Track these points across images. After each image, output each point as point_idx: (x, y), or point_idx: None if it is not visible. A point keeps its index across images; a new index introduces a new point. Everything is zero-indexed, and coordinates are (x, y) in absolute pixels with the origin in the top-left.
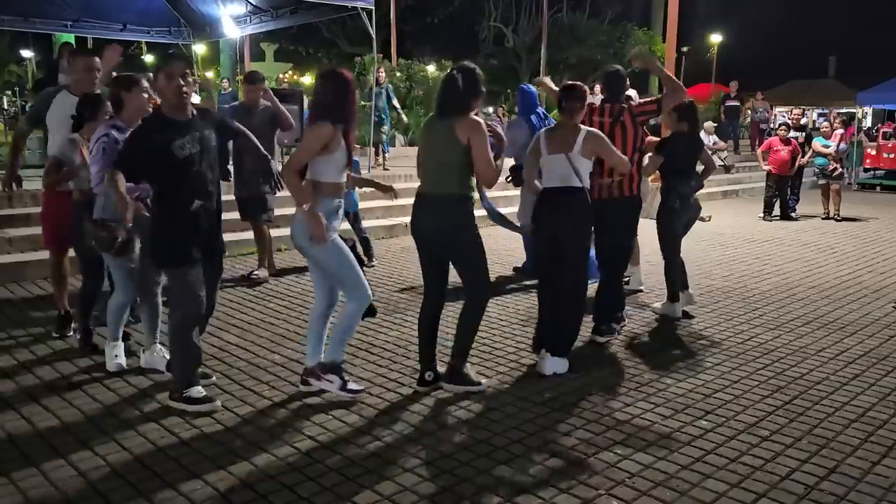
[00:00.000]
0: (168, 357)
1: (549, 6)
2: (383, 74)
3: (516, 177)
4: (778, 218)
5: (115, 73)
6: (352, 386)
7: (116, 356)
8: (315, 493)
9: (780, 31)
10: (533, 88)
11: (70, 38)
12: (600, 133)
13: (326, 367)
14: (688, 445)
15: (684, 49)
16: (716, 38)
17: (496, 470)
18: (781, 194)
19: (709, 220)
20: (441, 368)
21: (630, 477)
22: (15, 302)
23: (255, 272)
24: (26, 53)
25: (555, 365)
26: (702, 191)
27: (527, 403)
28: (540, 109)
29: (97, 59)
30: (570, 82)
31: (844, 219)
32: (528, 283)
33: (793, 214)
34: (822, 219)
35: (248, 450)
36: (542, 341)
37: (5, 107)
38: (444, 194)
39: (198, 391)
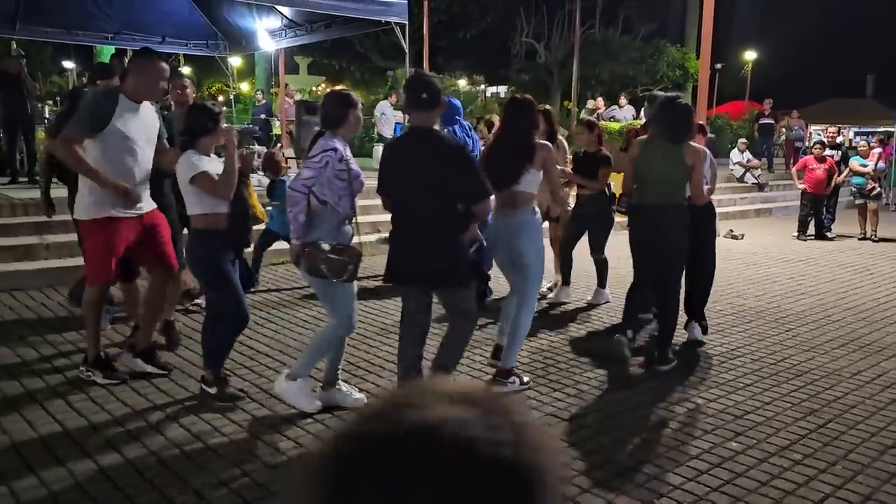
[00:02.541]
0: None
1: (581, 22)
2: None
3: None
4: (813, 237)
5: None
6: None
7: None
8: None
9: (817, 48)
10: (457, 101)
11: (111, 50)
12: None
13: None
14: (718, 467)
15: (718, 66)
16: (750, 56)
17: None
18: (816, 213)
19: (741, 239)
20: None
21: (658, 497)
22: (50, 307)
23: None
24: (68, 64)
25: None
26: (734, 208)
27: (553, 420)
28: (465, 122)
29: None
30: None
31: (882, 239)
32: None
33: (828, 234)
34: (859, 239)
35: (272, 455)
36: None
37: (47, 115)
38: (671, 204)
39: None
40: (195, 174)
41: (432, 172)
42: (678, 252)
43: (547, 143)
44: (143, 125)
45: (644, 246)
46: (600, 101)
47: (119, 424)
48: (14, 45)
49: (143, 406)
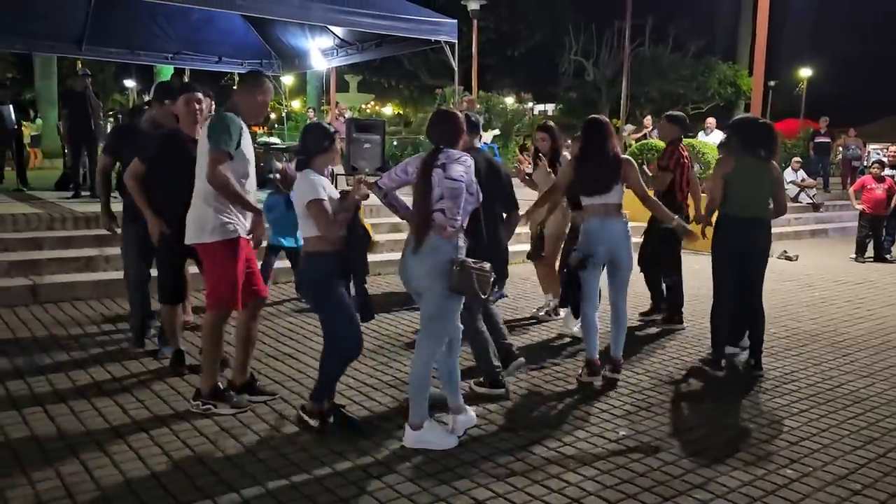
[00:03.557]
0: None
1: (631, 40)
2: (465, 105)
3: None
4: (871, 259)
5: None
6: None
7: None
8: None
9: (875, 64)
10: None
11: (170, 69)
12: None
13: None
14: (772, 495)
15: (771, 83)
16: (805, 73)
17: None
18: (875, 235)
19: (795, 260)
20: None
21: None
22: (108, 317)
23: None
24: (129, 83)
25: None
26: (788, 229)
27: (600, 440)
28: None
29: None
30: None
31: None
32: None
33: (888, 256)
34: None
35: (289, 469)
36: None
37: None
38: (764, 217)
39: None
40: (312, 199)
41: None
42: (766, 261)
43: (630, 158)
44: (251, 147)
45: (734, 256)
46: (648, 120)
47: (158, 427)
48: (80, 65)
49: (168, 412)
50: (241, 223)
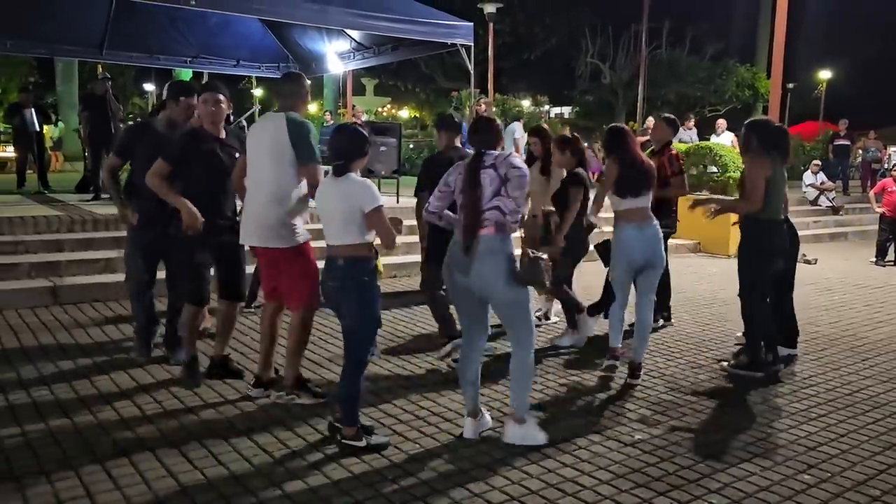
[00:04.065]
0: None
1: (647, 43)
2: (483, 107)
3: None
4: (892, 263)
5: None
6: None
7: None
8: None
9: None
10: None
11: (188, 73)
12: None
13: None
14: (789, 500)
15: (790, 86)
16: (824, 75)
17: None
18: None
19: (814, 263)
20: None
21: None
22: (127, 318)
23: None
24: (148, 87)
25: None
26: (807, 232)
27: (615, 444)
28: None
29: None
30: None
31: None
32: None
33: None
34: None
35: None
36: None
37: None
38: (787, 217)
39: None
40: (377, 206)
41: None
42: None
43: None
44: None
45: (780, 257)
46: (650, 121)
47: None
48: (100, 69)
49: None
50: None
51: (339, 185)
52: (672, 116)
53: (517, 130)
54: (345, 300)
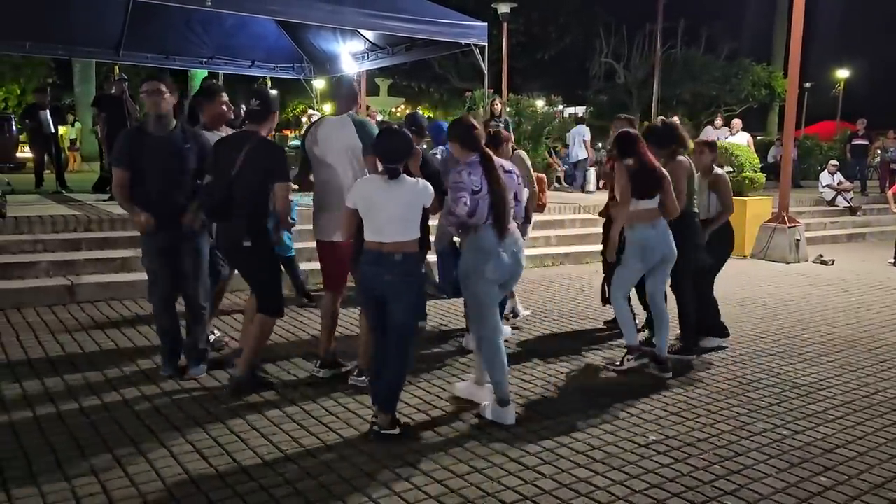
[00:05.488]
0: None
1: (662, 42)
2: (499, 106)
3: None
4: None
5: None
6: None
7: None
8: None
9: None
10: (444, 124)
11: (204, 73)
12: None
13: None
14: (805, 503)
15: (807, 85)
16: (842, 74)
17: None
18: None
19: (831, 264)
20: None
21: None
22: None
23: None
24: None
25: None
26: (824, 233)
27: (630, 444)
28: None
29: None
30: None
31: None
32: None
33: None
34: None
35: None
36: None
37: None
38: None
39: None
40: (433, 197)
41: None
42: None
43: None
44: None
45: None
46: (736, 122)
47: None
48: (117, 70)
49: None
50: None
51: (400, 186)
52: (713, 141)
53: (586, 133)
54: (403, 293)
